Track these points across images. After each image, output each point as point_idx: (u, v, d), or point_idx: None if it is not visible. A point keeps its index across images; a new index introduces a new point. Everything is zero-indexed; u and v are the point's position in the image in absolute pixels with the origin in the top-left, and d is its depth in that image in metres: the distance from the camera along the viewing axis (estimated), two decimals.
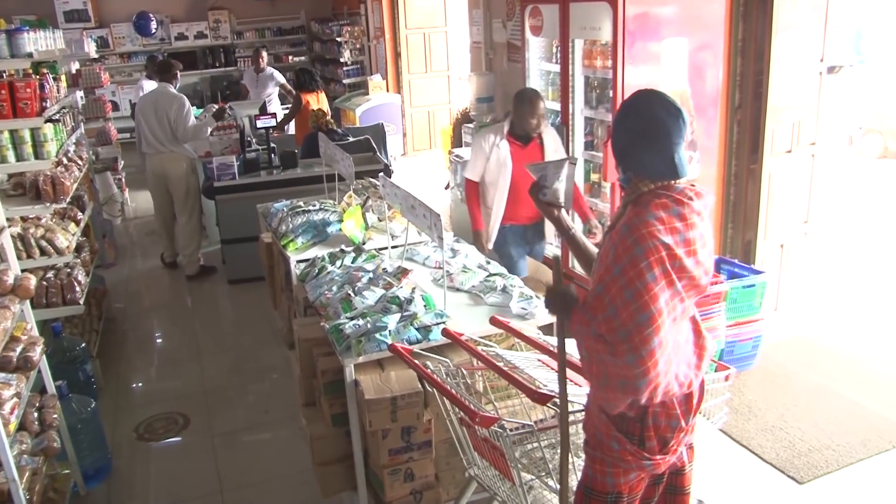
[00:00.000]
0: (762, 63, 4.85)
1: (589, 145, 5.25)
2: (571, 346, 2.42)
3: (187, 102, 7.22)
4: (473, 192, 4.97)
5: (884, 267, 6.75)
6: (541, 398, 2.51)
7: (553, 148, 4.84)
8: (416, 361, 2.88)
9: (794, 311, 5.41)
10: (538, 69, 5.72)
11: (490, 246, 4.93)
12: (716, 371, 3.30)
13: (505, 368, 2.85)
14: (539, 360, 3.04)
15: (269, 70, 10.34)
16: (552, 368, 2.96)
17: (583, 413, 2.56)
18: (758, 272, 4.86)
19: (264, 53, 10.38)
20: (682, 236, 2.22)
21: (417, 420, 3.07)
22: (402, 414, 3.02)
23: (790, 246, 5.36)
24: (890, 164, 11.01)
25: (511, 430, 2.63)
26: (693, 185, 2.34)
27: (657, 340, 2.16)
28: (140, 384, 5.53)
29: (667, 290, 2.19)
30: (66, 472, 3.92)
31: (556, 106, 5.44)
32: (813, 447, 4.11)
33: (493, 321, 3.13)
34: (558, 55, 5.38)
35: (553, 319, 3.49)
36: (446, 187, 8.03)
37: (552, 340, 3.13)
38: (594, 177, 5.30)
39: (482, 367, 3.01)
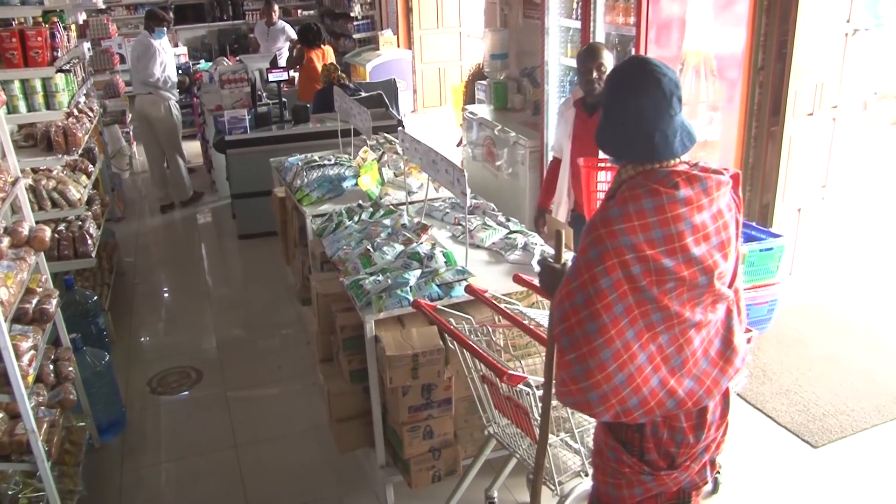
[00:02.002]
0: (787, 23, 4.75)
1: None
2: None
3: (156, 53, 7.54)
4: (551, 169, 4.52)
5: None
6: None
7: None
8: (441, 318, 2.85)
9: (809, 277, 5.36)
10: (557, 25, 5.60)
11: (563, 218, 4.34)
12: None
13: (526, 323, 2.82)
14: None
15: (281, 24, 10.18)
16: None
17: None
18: (775, 235, 4.81)
19: (276, 6, 10.21)
20: (658, 232, 1.93)
21: (438, 377, 3.05)
22: (423, 371, 3.00)
23: (807, 210, 5.30)
24: None
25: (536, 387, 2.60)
26: (693, 165, 2.04)
27: (609, 353, 1.92)
28: (152, 338, 5.52)
29: (630, 297, 1.93)
30: (82, 424, 3.92)
31: (575, 63, 5.34)
32: (827, 412, 4.10)
33: (517, 279, 3.09)
34: (579, 11, 5.26)
35: None
36: (458, 144, 7.94)
37: None
38: None
39: (505, 324, 2.98)
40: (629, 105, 2.00)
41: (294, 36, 10.13)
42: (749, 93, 5.04)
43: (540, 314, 3.01)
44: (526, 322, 2.81)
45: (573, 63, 5.41)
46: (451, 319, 2.91)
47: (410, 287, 3.15)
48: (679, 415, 2.10)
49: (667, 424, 2.11)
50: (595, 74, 3.88)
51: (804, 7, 4.59)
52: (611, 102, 2.06)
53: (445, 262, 3.35)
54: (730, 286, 2.10)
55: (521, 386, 2.49)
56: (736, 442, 3.88)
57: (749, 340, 3.18)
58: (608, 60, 3.89)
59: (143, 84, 7.57)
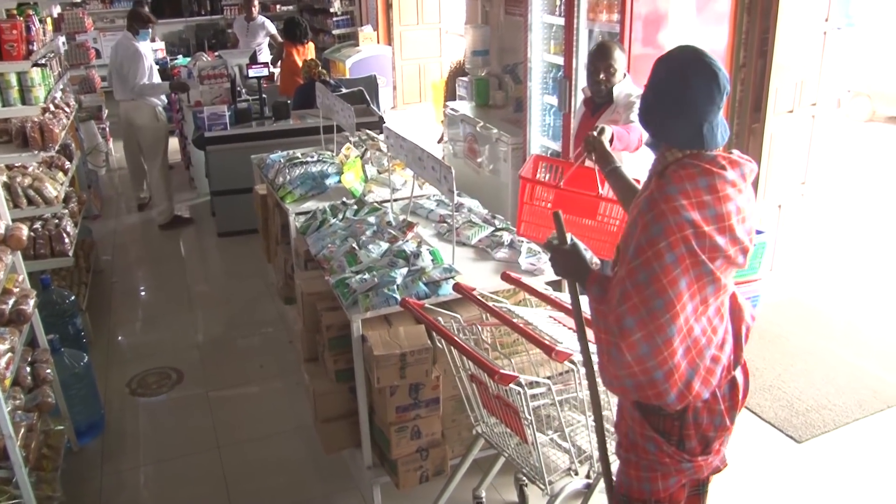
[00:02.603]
0: (768, 21, 4.76)
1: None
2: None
3: (142, 58, 7.02)
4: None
5: (875, 230, 6.75)
6: (559, 355, 2.47)
7: (609, 120, 3.80)
8: (429, 316, 2.82)
9: (789, 273, 5.39)
10: (540, 22, 5.59)
11: None
12: None
13: (515, 321, 2.80)
14: (551, 317, 2.99)
15: (261, 19, 10.07)
16: (565, 325, 2.91)
17: None
18: (758, 232, 4.82)
19: (256, 1, 10.10)
20: (712, 211, 1.98)
21: (426, 377, 3.02)
22: (410, 370, 2.97)
23: (787, 207, 5.32)
24: (877, 127, 11.00)
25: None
26: (731, 153, 2.11)
27: (675, 328, 1.96)
28: (131, 338, 5.44)
29: (691, 271, 1.97)
30: (60, 427, 3.84)
31: (559, 60, 5.33)
32: (810, 407, 4.12)
33: (505, 277, 3.07)
34: (562, 8, 5.25)
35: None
36: (439, 140, 7.92)
37: (564, 297, 3.09)
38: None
39: (494, 322, 2.96)
40: (686, 94, 2.03)
41: (274, 31, 10.03)
42: (731, 90, 5.05)
43: (528, 311, 2.99)
44: (515, 320, 2.78)
45: (556, 60, 5.41)
46: (440, 318, 2.88)
47: (397, 286, 3.12)
48: (717, 395, 2.15)
49: (707, 408, 2.16)
50: (603, 75, 3.83)
51: (785, 5, 4.61)
52: (664, 87, 2.08)
53: (432, 261, 3.32)
54: None
55: (512, 385, 2.46)
56: None
57: None
58: (619, 61, 3.84)
59: (129, 91, 7.02)
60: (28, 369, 3.52)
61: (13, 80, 4.34)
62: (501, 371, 2.43)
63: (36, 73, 4.42)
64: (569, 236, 2.24)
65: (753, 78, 4.97)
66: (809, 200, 5.51)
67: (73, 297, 4.84)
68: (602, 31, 4.93)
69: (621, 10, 4.54)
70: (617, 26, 4.62)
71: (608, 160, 2.82)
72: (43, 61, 4.90)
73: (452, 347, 2.72)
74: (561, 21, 5.24)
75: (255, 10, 10.01)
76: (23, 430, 3.18)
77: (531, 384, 2.49)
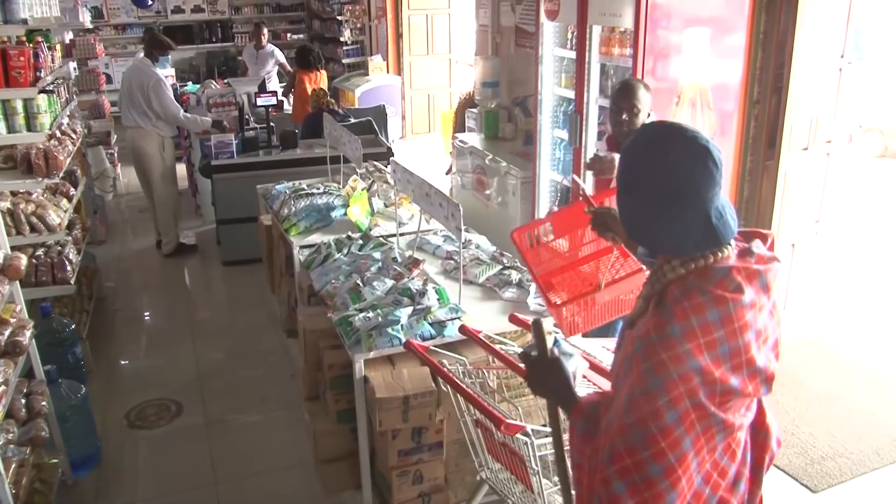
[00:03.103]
0: (783, 56, 4.71)
1: (601, 135, 5.09)
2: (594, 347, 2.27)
3: (164, 83, 6.92)
4: None
5: (891, 269, 6.64)
6: (509, 428, 2.37)
7: None
8: (433, 360, 2.73)
9: (803, 313, 5.28)
10: (551, 55, 5.54)
11: None
12: None
13: (522, 367, 2.70)
14: None
15: (270, 47, 10.08)
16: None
17: None
18: None
19: (265, 30, 10.12)
20: (725, 348, 1.61)
21: (430, 420, 2.93)
22: (413, 414, 2.87)
23: (801, 245, 5.23)
24: (889, 164, 10.92)
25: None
26: (744, 252, 1.70)
27: (675, 494, 1.62)
28: (131, 368, 5.35)
29: (696, 426, 1.62)
30: (54, 461, 3.75)
31: (570, 94, 5.28)
32: (826, 454, 4.00)
33: (513, 319, 2.97)
34: (573, 41, 5.21)
35: None
36: (447, 172, 7.87)
37: (574, 340, 2.99)
38: None
39: (500, 366, 2.86)
40: (677, 180, 1.63)
41: (283, 60, 10.04)
42: (744, 126, 4.99)
43: None
44: (522, 366, 2.68)
45: (567, 93, 5.36)
46: (445, 361, 2.79)
47: (402, 325, 3.03)
48: None
49: None
50: (626, 116, 3.68)
51: (800, 40, 4.56)
52: (647, 182, 1.66)
53: (438, 300, 3.24)
54: None
55: (518, 435, 2.36)
56: None
57: None
58: (644, 102, 3.69)
59: (139, 118, 6.86)
60: (23, 401, 3.45)
61: (19, 106, 4.31)
62: (508, 421, 2.33)
63: (42, 100, 4.39)
64: (553, 348, 1.94)
65: (768, 114, 4.91)
66: (824, 239, 5.42)
67: (73, 326, 4.77)
68: (614, 65, 4.88)
69: (634, 45, 4.49)
70: (629, 61, 4.57)
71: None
72: (50, 88, 4.87)
73: (457, 393, 2.63)
74: (572, 55, 5.19)
75: (265, 38, 10.02)
76: (14, 466, 3.10)
77: (538, 433, 2.39)
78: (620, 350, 1.79)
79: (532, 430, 2.37)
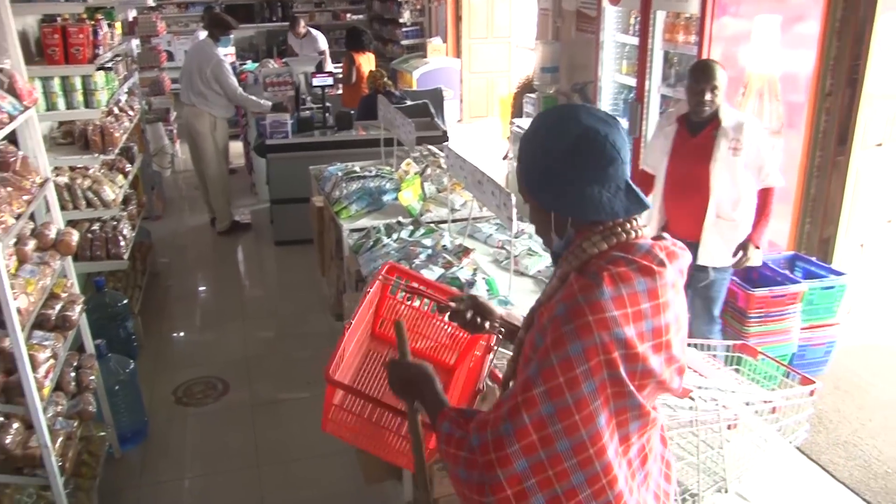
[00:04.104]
0: (861, 47, 4.48)
1: (669, 116, 4.93)
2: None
3: (225, 63, 6.97)
4: (639, 183, 4.24)
5: None
6: None
7: (727, 147, 3.70)
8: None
9: (870, 317, 5.06)
10: (612, 40, 5.40)
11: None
12: (799, 383, 3.03)
13: None
14: None
15: (314, 34, 10.06)
16: None
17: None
18: (836, 272, 4.54)
19: (302, 21, 10.11)
20: (649, 323, 1.50)
21: None
22: None
23: (871, 246, 5.01)
24: None
25: None
26: (662, 238, 1.61)
27: (582, 476, 1.49)
28: (181, 344, 5.40)
29: (612, 404, 1.49)
30: (102, 434, 3.78)
31: (631, 81, 5.13)
32: (891, 469, 3.81)
33: None
34: (636, 27, 5.05)
35: None
36: (504, 157, 7.76)
37: None
38: None
39: None
40: (603, 144, 1.54)
41: (324, 47, 9.99)
42: (814, 119, 4.77)
43: None
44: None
45: (628, 80, 5.21)
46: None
47: None
48: None
49: None
50: (709, 95, 3.66)
51: (880, 30, 4.32)
52: (580, 142, 1.54)
53: (487, 291, 3.15)
54: None
55: None
56: (787, 497, 3.62)
57: (812, 393, 2.96)
58: (723, 81, 3.66)
59: (194, 96, 6.92)
60: (73, 374, 3.47)
61: (78, 83, 4.33)
62: None
63: (100, 77, 4.41)
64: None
65: (840, 107, 4.69)
66: (895, 240, 5.19)
67: (125, 301, 4.82)
68: (678, 53, 4.72)
69: (699, 32, 4.33)
70: (694, 48, 4.42)
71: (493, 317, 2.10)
72: (109, 65, 4.89)
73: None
74: (634, 41, 5.04)
75: (301, 26, 10.00)
76: (61, 439, 3.12)
77: None
78: (530, 329, 1.60)
79: None
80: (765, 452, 3.00)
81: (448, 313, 2.11)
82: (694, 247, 3.87)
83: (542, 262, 3.52)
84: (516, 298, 3.18)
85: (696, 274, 3.97)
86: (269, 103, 7.13)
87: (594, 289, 1.48)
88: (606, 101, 5.49)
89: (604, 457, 1.49)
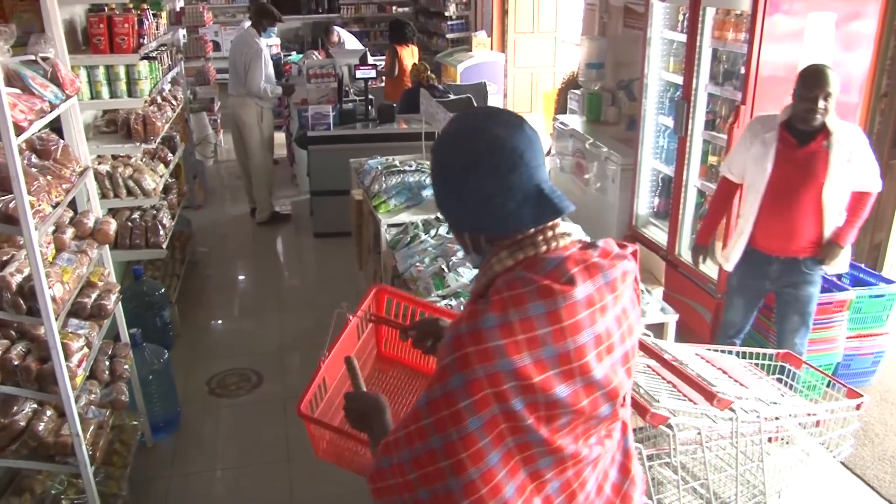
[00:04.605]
0: None
1: (709, 125, 4.80)
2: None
3: (263, 56, 6.96)
4: (722, 195, 4.00)
5: None
6: (654, 419, 2.20)
7: (842, 159, 3.47)
8: None
9: None
10: (660, 37, 5.26)
11: (728, 266, 3.88)
12: (846, 396, 2.92)
13: None
14: (647, 366, 2.71)
15: (342, 41, 10.02)
16: (661, 377, 2.63)
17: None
18: (886, 280, 4.39)
19: (336, 31, 10.06)
20: (551, 350, 1.37)
21: None
22: None
23: None
24: None
25: None
26: (586, 246, 1.51)
27: None
28: (217, 335, 5.42)
29: (509, 440, 1.38)
30: (135, 423, 3.80)
31: (678, 79, 5.00)
32: None
33: None
34: (684, 24, 4.92)
35: (665, 319, 3.17)
36: (546, 154, 7.65)
37: (662, 344, 2.81)
38: (712, 159, 4.86)
39: None
40: (507, 150, 1.44)
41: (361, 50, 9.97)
42: (868, 121, 4.62)
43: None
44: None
45: (675, 78, 5.08)
46: None
47: None
48: None
49: None
50: (822, 104, 3.38)
51: None
52: (482, 153, 1.45)
53: None
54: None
55: None
56: None
57: (859, 406, 2.85)
58: (836, 87, 3.40)
59: (240, 87, 7.01)
60: (107, 363, 3.48)
61: (122, 72, 4.35)
62: None
63: (144, 66, 4.42)
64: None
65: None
66: None
67: (163, 290, 4.85)
68: (727, 50, 4.59)
69: (750, 29, 4.19)
70: (744, 46, 4.28)
71: None
72: (153, 55, 4.91)
73: None
74: (682, 38, 4.91)
75: (334, 35, 9.95)
76: (92, 428, 3.13)
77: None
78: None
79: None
80: (807, 466, 2.91)
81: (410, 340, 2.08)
82: (785, 262, 3.70)
83: None
84: None
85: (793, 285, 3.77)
86: (279, 88, 7.22)
87: (479, 316, 1.38)
88: (652, 99, 5.36)
89: (498, 496, 1.38)
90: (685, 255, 4.89)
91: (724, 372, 2.74)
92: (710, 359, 2.85)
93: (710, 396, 2.28)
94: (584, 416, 1.42)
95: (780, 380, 2.99)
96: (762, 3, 4.07)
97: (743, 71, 4.29)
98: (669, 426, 2.28)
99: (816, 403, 2.89)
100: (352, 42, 10.06)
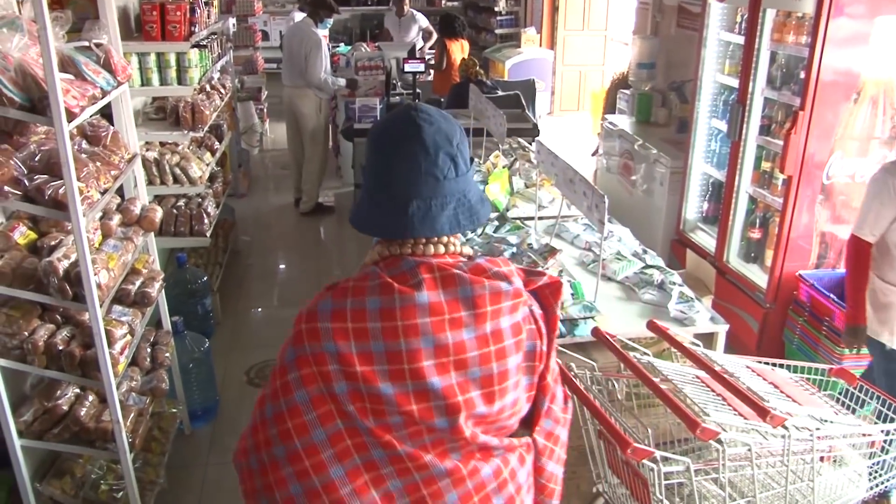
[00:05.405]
0: None
1: (764, 129, 4.67)
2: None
3: (323, 47, 6.94)
4: (863, 259, 3.28)
5: None
6: (704, 433, 2.12)
7: None
8: (560, 363, 2.51)
9: None
10: (716, 38, 5.14)
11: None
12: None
13: (657, 381, 2.46)
14: (696, 377, 2.63)
15: (411, 12, 9.98)
16: (711, 389, 2.55)
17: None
18: None
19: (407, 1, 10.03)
20: (379, 345, 1.41)
21: None
22: None
23: None
24: None
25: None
26: (470, 259, 1.52)
27: (300, 488, 1.43)
28: (257, 324, 5.42)
29: (337, 421, 1.42)
30: (174, 410, 3.81)
31: (732, 82, 4.88)
32: None
33: (652, 326, 2.72)
34: (742, 25, 4.80)
35: (715, 329, 3.08)
36: (594, 153, 7.56)
37: (711, 354, 2.73)
38: (765, 165, 4.73)
39: (630, 375, 2.63)
40: (380, 163, 1.48)
41: (426, 24, 9.90)
42: None
43: (672, 368, 2.64)
44: (657, 380, 2.44)
45: (730, 81, 4.96)
46: (573, 365, 2.58)
47: None
48: None
49: None
50: None
51: None
52: (368, 155, 1.53)
53: (572, 294, 3.02)
54: (532, 429, 1.63)
55: (647, 461, 2.14)
56: None
57: None
58: None
59: (298, 78, 6.97)
60: (149, 350, 3.49)
61: (172, 59, 4.37)
62: (636, 445, 2.11)
63: (194, 54, 4.43)
64: None
65: None
66: None
67: (205, 278, 4.86)
68: (787, 54, 4.46)
69: (812, 32, 4.06)
70: (804, 50, 4.15)
71: None
72: (204, 43, 4.92)
73: (583, 405, 2.42)
74: (740, 40, 4.78)
75: (406, 5, 9.91)
76: (133, 415, 3.13)
77: (667, 461, 2.16)
78: None
79: (660, 456, 2.14)
80: (859, 488, 2.81)
81: None
82: None
83: (631, 267, 3.36)
84: (602, 304, 3.04)
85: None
86: (342, 80, 7.14)
87: (321, 298, 1.49)
88: (706, 102, 5.24)
89: (323, 474, 1.43)
90: (734, 262, 4.78)
91: (776, 386, 2.64)
92: (760, 372, 2.76)
93: (762, 413, 2.20)
94: (414, 420, 1.43)
95: (832, 396, 2.88)
96: (826, 6, 3.95)
97: (803, 75, 4.17)
98: (719, 441, 2.20)
99: (872, 423, 2.78)
100: (419, 16, 10.00)
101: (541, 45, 11.17)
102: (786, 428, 2.31)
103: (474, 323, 1.46)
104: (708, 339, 3.00)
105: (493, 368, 1.48)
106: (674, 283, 3.19)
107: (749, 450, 2.28)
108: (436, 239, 1.50)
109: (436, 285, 1.44)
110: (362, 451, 1.44)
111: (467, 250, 1.56)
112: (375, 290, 1.44)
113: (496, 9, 12.47)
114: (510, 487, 1.57)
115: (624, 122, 6.69)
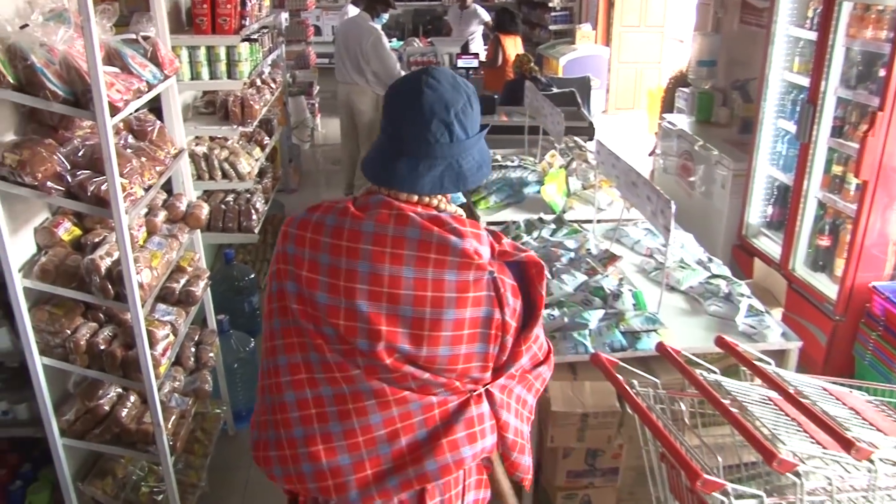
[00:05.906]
0: None
1: (836, 131, 4.43)
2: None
3: (384, 38, 6.81)
4: None
5: None
6: (782, 466, 1.94)
7: None
8: (622, 380, 2.36)
9: None
10: (784, 34, 4.90)
11: None
12: None
13: (726, 403, 2.29)
14: (768, 398, 2.44)
15: (474, 6, 9.83)
16: (784, 411, 2.37)
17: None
18: None
19: None
20: (326, 258, 1.59)
21: (608, 443, 2.58)
22: (591, 434, 2.54)
23: None
24: None
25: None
26: (438, 211, 1.64)
27: (267, 364, 1.70)
28: None
29: (287, 318, 1.66)
30: (218, 411, 3.74)
31: (803, 81, 4.64)
32: None
33: (721, 343, 2.54)
34: (814, 20, 4.56)
35: (787, 345, 2.88)
36: (650, 153, 7.33)
37: (784, 374, 2.54)
38: (836, 169, 4.49)
39: (695, 394, 2.46)
40: (387, 117, 1.65)
41: (487, 18, 9.75)
42: None
43: (741, 387, 2.46)
44: (725, 401, 2.26)
45: (799, 80, 4.72)
46: (635, 382, 2.41)
47: (590, 331, 2.68)
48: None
49: None
50: None
51: None
52: (382, 113, 1.71)
53: (634, 304, 2.85)
54: (494, 377, 1.70)
55: (717, 494, 1.97)
56: None
57: None
58: None
59: (354, 73, 6.83)
60: (193, 350, 3.41)
61: (222, 53, 4.30)
62: (705, 476, 1.94)
63: (244, 48, 4.35)
64: None
65: None
66: None
67: (252, 275, 4.79)
68: (863, 50, 4.21)
69: (894, 27, 3.83)
70: (885, 46, 3.91)
71: None
72: (254, 37, 4.84)
73: (645, 426, 2.26)
74: (811, 35, 4.54)
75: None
76: (174, 417, 3.05)
77: (739, 494, 1.98)
78: None
79: (732, 489, 1.97)
80: None
81: None
82: None
83: (696, 276, 3.17)
84: (666, 316, 2.87)
85: None
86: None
87: (306, 210, 1.69)
88: (772, 101, 5.00)
89: (273, 358, 1.67)
90: (800, 270, 4.55)
91: (857, 412, 2.44)
92: (839, 395, 2.56)
93: (846, 444, 2.01)
94: (342, 337, 1.58)
95: None
96: None
97: (883, 73, 3.92)
98: (797, 474, 2.02)
99: None
100: (483, 13, 9.86)
101: (596, 42, 10.95)
102: (871, 461, 2.12)
103: (415, 264, 1.56)
104: (778, 355, 2.81)
105: (426, 314, 1.57)
106: (742, 295, 3.00)
107: (830, 483, 2.10)
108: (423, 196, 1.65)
109: (389, 220, 1.58)
110: (303, 351, 1.64)
111: (451, 209, 1.68)
112: (336, 210, 1.63)
113: (550, 4, 12.26)
114: (438, 424, 1.64)
115: (683, 121, 6.46)
